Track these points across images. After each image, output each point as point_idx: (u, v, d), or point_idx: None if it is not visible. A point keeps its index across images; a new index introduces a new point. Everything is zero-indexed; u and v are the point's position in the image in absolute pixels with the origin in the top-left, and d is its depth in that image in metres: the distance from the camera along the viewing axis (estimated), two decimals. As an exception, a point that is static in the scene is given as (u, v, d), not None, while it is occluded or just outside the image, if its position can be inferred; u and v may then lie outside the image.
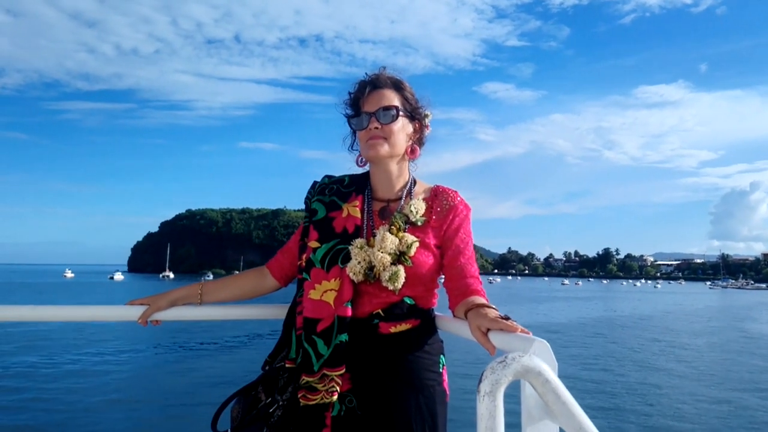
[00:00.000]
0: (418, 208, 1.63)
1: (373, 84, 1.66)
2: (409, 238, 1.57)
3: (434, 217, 1.64)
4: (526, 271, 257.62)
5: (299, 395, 1.50)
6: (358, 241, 1.58)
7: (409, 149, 1.70)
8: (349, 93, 1.70)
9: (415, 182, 1.73)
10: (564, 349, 20.96)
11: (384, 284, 1.54)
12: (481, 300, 1.45)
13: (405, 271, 1.54)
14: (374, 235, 1.59)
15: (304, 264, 1.63)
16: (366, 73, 1.70)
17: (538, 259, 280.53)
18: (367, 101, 1.64)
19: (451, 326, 1.56)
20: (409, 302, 1.57)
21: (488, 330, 1.27)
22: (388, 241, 1.55)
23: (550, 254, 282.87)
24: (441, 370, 1.61)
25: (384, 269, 1.53)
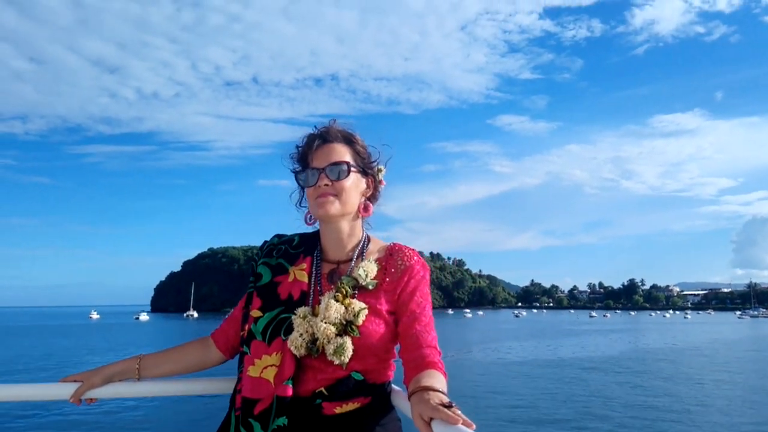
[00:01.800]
0: (368, 270, 1.48)
1: (322, 137, 1.54)
2: (357, 305, 1.42)
3: (387, 279, 1.49)
4: (551, 304, 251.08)
5: None
6: (301, 310, 1.44)
7: (362, 206, 1.57)
8: (297, 146, 1.59)
9: (369, 241, 1.59)
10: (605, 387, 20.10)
11: (329, 358, 1.39)
12: (429, 380, 1.26)
13: (353, 343, 1.39)
14: (321, 302, 1.45)
15: (245, 335, 1.49)
16: (315, 126, 1.60)
17: (562, 291, 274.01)
18: (315, 156, 1.52)
19: (407, 404, 1.39)
20: (357, 377, 1.41)
21: (431, 418, 1.11)
22: (332, 309, 1.40)
23: (575, 286, 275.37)
24: (397, 453, 1.44)
25: (328, 341, 1.38)
